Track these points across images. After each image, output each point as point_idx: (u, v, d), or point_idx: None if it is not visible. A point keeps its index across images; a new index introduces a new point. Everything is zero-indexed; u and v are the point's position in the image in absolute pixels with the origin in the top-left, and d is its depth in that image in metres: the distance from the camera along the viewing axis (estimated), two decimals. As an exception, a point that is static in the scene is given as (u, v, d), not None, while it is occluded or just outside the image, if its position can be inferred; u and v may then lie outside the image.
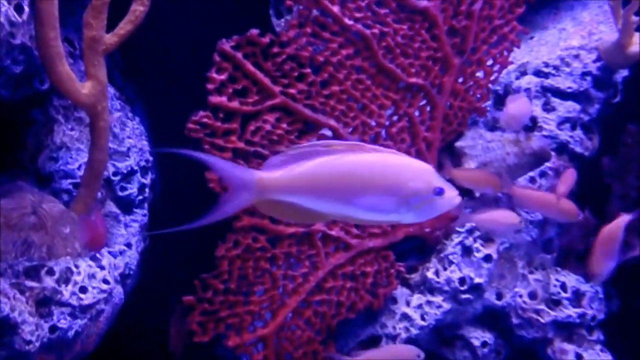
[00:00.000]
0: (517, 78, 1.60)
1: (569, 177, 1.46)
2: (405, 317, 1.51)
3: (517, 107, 1.41)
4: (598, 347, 1.54)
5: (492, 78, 1.50)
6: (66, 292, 1.27)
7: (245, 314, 1.41)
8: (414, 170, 0.79)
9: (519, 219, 1.42)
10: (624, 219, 1.42)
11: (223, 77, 1.29)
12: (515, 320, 1.55)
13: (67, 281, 1.28)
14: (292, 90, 1.35)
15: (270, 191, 0.77)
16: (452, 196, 0.80)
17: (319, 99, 1.37)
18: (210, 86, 1.29)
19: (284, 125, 1.36)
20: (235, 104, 1.32)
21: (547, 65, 1.59)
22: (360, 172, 0.77)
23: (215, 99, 1.30)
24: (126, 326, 1.51)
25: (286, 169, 0.77)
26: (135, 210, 1.54)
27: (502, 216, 1.42)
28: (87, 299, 1.29)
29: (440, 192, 0.79)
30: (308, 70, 1.35)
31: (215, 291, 1.39)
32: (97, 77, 1.28)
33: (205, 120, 1.30)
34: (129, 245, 1.48)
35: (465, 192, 1.54)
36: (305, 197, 0.77)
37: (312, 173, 0.77)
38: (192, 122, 1.30)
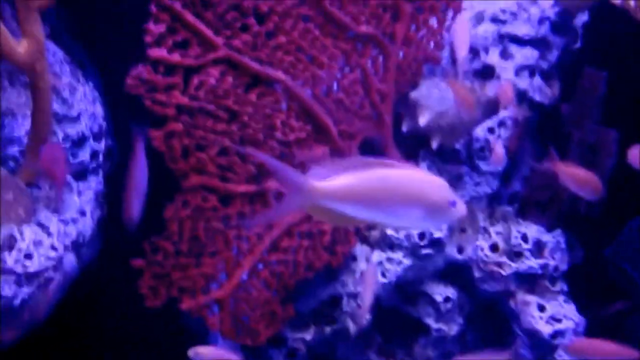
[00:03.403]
0: (474, 26, 1.54)
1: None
2: (365, 274, 1.48)
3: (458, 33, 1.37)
4: (561, 297, 1.51)
5: (445, 25, 1.45)
6: (10, 259, 1.23)
7: (199, 276, 1.37)
8: (435, 186, 0.92)
9: None
10: None
11: (161, 28, 1.24)
12: (477, 274, 1.52)
13: (10, 248, 1.24)
14: (237, 42, 1.29)
15: (320, 198, 0.87)
16: (462, 208, 0.93)
17: (266, 51, 1.32)
18: (148, 39, 1.23)
19: (230, 79, 1.31)
20: (176, 57, 1.26)
21: (504, 11, 1.53)
22: (395, 186, 0.89)
23: (154, 52, 1.24)
24: (89, 297, 1.47)
25: (332, 179, 0.87)
26: (88, 177, 1.50)
27: None
28: (32, 266, 1.25)
29: (454, 204, 0.92)
30: (252, 20, 1.29)
31: (166, 254, 1.35)
32: (33, 34, 1.23)
33: (144, 75, 1.25)
34: (82, 212, 1.43)
35: (423, 144, 1.51)
36: (350, 206, 0.88)
37: (356, 185, 0.88)
38: (132, 77, 1.24)
